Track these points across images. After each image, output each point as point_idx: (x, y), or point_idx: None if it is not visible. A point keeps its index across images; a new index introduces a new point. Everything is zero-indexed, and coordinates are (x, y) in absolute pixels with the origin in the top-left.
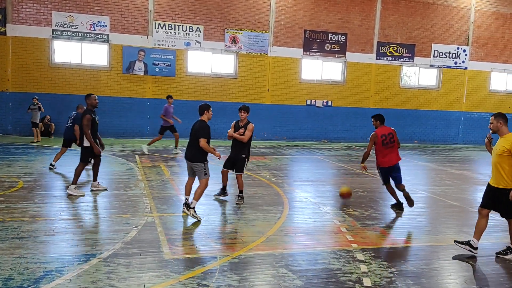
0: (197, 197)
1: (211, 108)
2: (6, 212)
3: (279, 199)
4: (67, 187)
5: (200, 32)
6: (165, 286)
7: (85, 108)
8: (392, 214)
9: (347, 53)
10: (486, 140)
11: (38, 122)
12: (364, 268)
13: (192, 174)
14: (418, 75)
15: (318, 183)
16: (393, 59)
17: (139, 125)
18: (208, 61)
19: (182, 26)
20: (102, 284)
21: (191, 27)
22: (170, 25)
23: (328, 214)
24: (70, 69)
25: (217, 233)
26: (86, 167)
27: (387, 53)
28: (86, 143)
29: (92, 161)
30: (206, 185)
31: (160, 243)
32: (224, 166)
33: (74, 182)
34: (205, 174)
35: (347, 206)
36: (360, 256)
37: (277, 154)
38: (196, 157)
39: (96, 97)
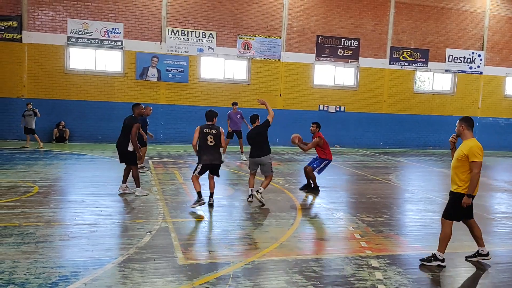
0: (265, 186)
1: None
2: (22, 217)
3: (292, 205)
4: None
5: (213, 38)
6: None
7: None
8: (407, 220)
9: (360, 58)
10: (450, 139)
11: (34, 127)
12: (379, 275)
13: (255, 170)
14: (432, 80)
15: (331, 189)
16: (407, 64)
17: (153, 131)
18: (221, 67)
19: (195, 32)
20: None
21: (204, 33)
22: (183, 32)
23: (341, 220)
24: (84, 75)
25: (230, 238)
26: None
27: (401, 58)
28: (130, 147)
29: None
30: (271, 178)
31: (174, 249)
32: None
33: (138, 185)
34: (272, 171)
35: (361, 212)
36: (374, 262)
37: (289, 159)
38: (267, 150)
39: (144, 107)
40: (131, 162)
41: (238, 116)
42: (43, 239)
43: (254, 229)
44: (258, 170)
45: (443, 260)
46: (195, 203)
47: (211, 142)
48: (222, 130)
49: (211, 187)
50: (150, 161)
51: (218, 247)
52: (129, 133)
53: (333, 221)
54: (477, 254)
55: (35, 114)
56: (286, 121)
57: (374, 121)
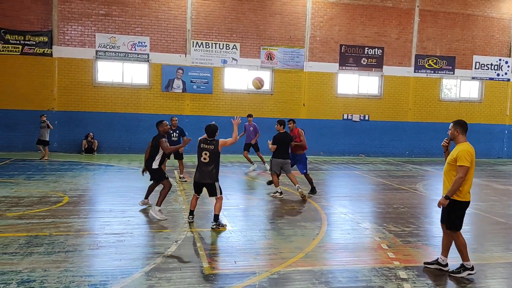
0: (296, 182)
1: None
2: (52, 227)
3: (317, 215)
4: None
5: (237, 49)
6: None
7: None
8: (435, 231)
9: (384, 66)
10: (443, 144)
11: (47, 139)
12: (407, 286)
13: (278, 170)
14: (459, 87)
15: (357, 198)
16: (433, 71)
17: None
18: (244, 78)
19: (219, 44)
20: None
21: (227, 45)
22: (207, 44)
23: (367, 230)
24: (112, 88)
25: (256, 248)
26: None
27: (426, 65)
28: (154, 165)
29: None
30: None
31: (200, 258)
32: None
33: (159, 203)
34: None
35: (387, 222)
36: (403, 274)
37: (313, 169)
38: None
39: (168, 124)
40: (158, 179)
41: (252, 128)
42: (73, 248)
43: (279, 238)
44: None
45: (472, 268)
46: (187, 217)
47: (205, 159)
48: (220, 141)
49: (215, 209)
50: (175, 171)
51: (243, 256)
52: (155, 152)
53: (359, 231)
54: (436, 262)
55: (48, 126)
56: (310, 130)
57: (399, 130)
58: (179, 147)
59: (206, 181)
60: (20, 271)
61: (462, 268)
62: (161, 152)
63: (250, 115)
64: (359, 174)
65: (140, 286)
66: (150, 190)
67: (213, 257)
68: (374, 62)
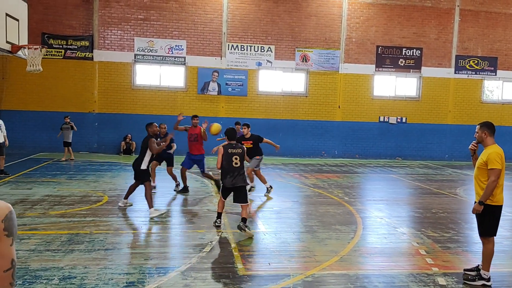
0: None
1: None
2: (93, 225)
3: (352, 218)
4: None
5: (272, 52)
6: None
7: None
8: (476, 237)
9: (423, 67)
10: (470, 147)
11: (70, 141)
12: None
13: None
14: (502, 89)
15: (393, 202)
16: (474, 72)
17: (213, 144)
18: (279, 80)
19: (254, 46)
20: None
21: (262, 47)
22: (242, 46)
23: (405, 235)
24: (150, 90)
25: (290, 251)
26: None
27: (467, 66)
28: (144, 166)
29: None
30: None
31: (234, 259)
32: None
33: (150, 205)
34: None
35: (426, 227)
36: (441, 280)
37: (348, 172)
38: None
39: (157, 125)
40: (143, 179)
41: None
42: (112, 246)
43: (313, 241)
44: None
45: (488, 279)
46: (214, 222)
47: (236, 163)
48: (245, 148)
49: (243, 213)
50: (211, 173)
51: (277, 258)
52: (143, 153)
53: (396, 236)
54: (476, 268)
55: (72, 127)
56: (345, 133)
57: (439, 133)
58: (163, 146)
59: (240, 184)
60: (62, 268)
61: (478, 276)
62: (149, 153)
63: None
64: (396, 177)
65: (176, 285)
66: (131, 190)
67: (247, 258)
68: (412, 63)
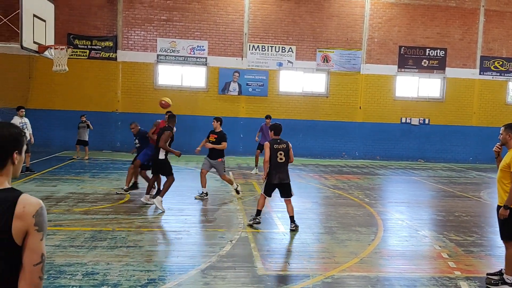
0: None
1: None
2: (115, 223)
3: (373, 220)
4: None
5: (292, 52)
6: None
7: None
8: (499, 241)
9: (447, 68)
10: (494, 149)
11: (87, 139)
12: None
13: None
14: None
15: (415, 205)
16: (499, 74)
17: (233, 143)
18: (300, 80)
19: (275, 47)
20: None
21: (283, 48)
22: (263, 47)
23: (426, 238)
24: (171, 90)
25: (309, 251)
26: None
27: (492, 67)
28: (161, 156)
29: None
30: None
31: (254, 258)
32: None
33: (162, 194)
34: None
35: (448, 230)
36: (464, 285)
37: (369, 173)
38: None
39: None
40: (165, 172)
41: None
42: (134, 244)
43: (333, 243)
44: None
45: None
46: (250, 220)
47: (281, 159)
48: (290, 144)
49: (290, 211)
50: (230, 173)
51: (297, 259)
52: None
53: (418, 238)
54: (499, 272)
55: (88, 126)
56: (366, 134)
57: (463, 134)
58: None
59: (286, 180)
60: (85, 264)
61: (501, 281)
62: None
63: (268, 116)
64: (418, 179)
65: (196, 283)
66: (151, 184)
67: (267, 258)
68: (436, 63)
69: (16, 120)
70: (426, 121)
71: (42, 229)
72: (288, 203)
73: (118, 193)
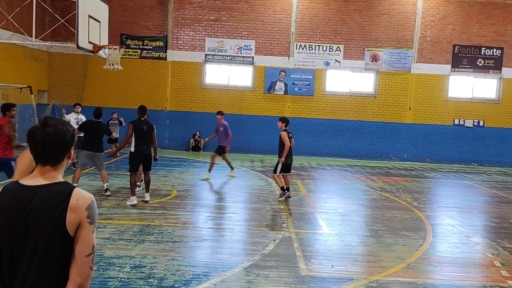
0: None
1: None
2: (162, 218)
3: (421, 225)
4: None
5: (340, 51)
6: None
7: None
8: None
9: (503, 68)
10: None
11: (117, 137)
12: None
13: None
14: None
15: (467, 210)
16: None
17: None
18: (347, 80)
19: (322, 46)
20: None
21: (331, 47)
22: (310, 46)
23: (478, 245)
24: (218, 89)
25: (354, 254)
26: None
27: None
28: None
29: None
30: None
31: (297, 259)
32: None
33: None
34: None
35: (502, 238)
36: None
37: (418, 176)
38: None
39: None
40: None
41: (222, 128)
42: (179, 239)
43: (378, 246)
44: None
45: None
46: (283, 194)
47: (293, 144)
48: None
49: (288, 183)
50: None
51: (340, 261)
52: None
53: (469, 245)
54: None
55: (120, 123)
56: (415, 135)
57: None
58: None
59: (291, 161)
60: (133, 256)
61: None
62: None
63: (220, 112)
64: (471, 184)
65: (239, 280)
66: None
67: (310, 259)
68: (492, 63)
69: (72, 116)
70: (481, 123)
71: (93, 222)
72: (287, 178)
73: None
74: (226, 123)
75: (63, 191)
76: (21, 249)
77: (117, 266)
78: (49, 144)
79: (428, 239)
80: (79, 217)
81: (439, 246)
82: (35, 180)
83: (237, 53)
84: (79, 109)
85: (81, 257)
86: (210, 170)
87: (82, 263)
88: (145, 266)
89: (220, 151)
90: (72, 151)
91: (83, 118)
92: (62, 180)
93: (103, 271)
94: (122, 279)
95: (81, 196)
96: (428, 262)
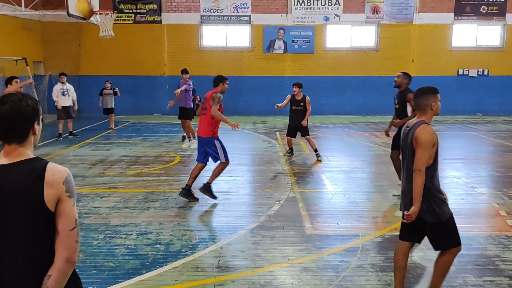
0: None
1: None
2: (166, 184)
3: None
4: None
5: (339, 5)
6: (307, 260)
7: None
8: None
9: (507, 14)
10: None
11: (113, 107)
12: None
13: None
14: None
15: (472, 161)
16: None
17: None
18: (347, 35)
19: (321, 0)
20: (250, 254)
21: (330, 1)
22: (309, 1)
23: (483, 196)
24: (216, 51)
25: (359, 211)
26: None
27: None
28: None
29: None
30: None
31: (302, 218)
32: (288, 135)
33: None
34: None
35: (507, 187)
36: None
37: None
38: None
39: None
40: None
41: (187, 87)
42: (184, 204)
43: (384, 202)
44: None
45: None
46: (288, 152)
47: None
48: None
49: (312, 145)
50: (277, 133)
51: (346, 218)
52: None
53: (474, 196)
54: None
55: (115, 93)
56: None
57: None
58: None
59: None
60: (139, 224)
61: None
62: None
63: (185, 71)
64: (476, 134)
65: (246, 242)
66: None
67: (315, 217)
68: (496, 10)
69: (58, 87)
70: (485, 72)
71: (73, 195)
72: (309, 140)
73: None
74: (191, 82)
75: (37, 168)
76: (4, 231)
77: (124, 234)
78: (7, 122)
79: None
80: (57, 192)
81: None
82: (4, 159)
83: (233, 12)
84: (65, 79)
85: (65, 232)
86: (190, 137)
87: (67, 237)
88: (151, 233)
89: (188, 114)
90: (37, 126)
91: (70, 88)
92: (32, 156)
93: (110, 239)
94: (129, 246)
95: (56, 170)
96: None
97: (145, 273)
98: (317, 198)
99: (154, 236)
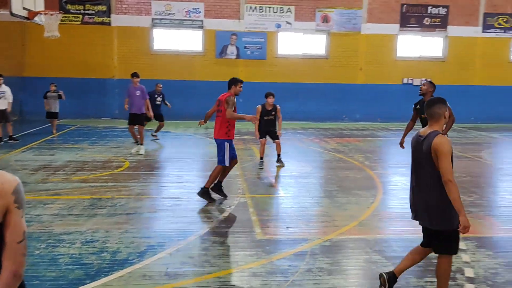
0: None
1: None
2: (114, 190)
3: (372, 183)
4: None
5: (291, 12)
6: (257, 265)
7: None
8: (499, 201)
9: (449, 26)
10: None
11: (57, 111)
12: (466, 258)
13: None
14: None
15: None
16: (503, 31)
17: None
18: (299, 42)
19: (273, 7)
20: (199, 260)
21: (282, 8)
22: (261, 8)
23: None
24: (168, 55)
25: (308, 215)
26: None
27: (495, 25)
28: None
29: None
30: None
31: (252, 223)
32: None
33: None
34: None
35: None
36: (461, 245)
37: (370, 136)
38: None
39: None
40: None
41: (138, 93)
42: (133, 211)
43: (332, 206)
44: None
45: None
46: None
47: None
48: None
49: (279, 149)
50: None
51: (295, 223)
52: None
53: None
54: None
55: (60, 96)
56: (367, 96)
57: (465, 94)
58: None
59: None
60: (84, 232)
61: None
62: None
63: (135, 74)
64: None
65: (195, 248)
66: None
67: (266, 222)
68: (438, 22)
69: None
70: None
71: (22, 206)
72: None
73: None
74: (143, 86)
75: None
76: None
77: (68, 243)
78: None
79: (378, 196)
80: (6, 203)
81: (389, 202)
82: None
83: (185, 16)
84: (1, 81)
85: (13, 244)
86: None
87: (15, 250)
88: (97, 241)
89: (141, 120)
90: None
91: (6, 90)
92: None
93: (53, 248)
94: (73, 255)
95: (5, 179)
96: (379, 219)
97: (89, 283)
98: (268, 203)
99: (100, 244)
